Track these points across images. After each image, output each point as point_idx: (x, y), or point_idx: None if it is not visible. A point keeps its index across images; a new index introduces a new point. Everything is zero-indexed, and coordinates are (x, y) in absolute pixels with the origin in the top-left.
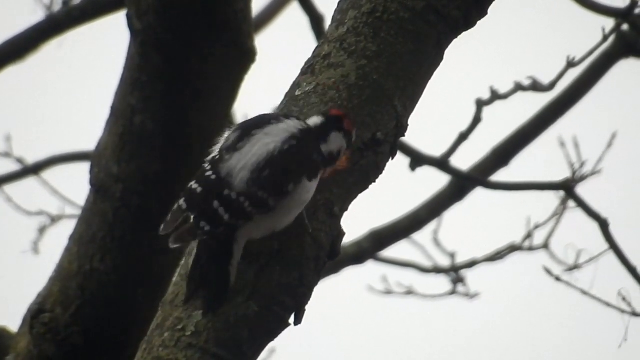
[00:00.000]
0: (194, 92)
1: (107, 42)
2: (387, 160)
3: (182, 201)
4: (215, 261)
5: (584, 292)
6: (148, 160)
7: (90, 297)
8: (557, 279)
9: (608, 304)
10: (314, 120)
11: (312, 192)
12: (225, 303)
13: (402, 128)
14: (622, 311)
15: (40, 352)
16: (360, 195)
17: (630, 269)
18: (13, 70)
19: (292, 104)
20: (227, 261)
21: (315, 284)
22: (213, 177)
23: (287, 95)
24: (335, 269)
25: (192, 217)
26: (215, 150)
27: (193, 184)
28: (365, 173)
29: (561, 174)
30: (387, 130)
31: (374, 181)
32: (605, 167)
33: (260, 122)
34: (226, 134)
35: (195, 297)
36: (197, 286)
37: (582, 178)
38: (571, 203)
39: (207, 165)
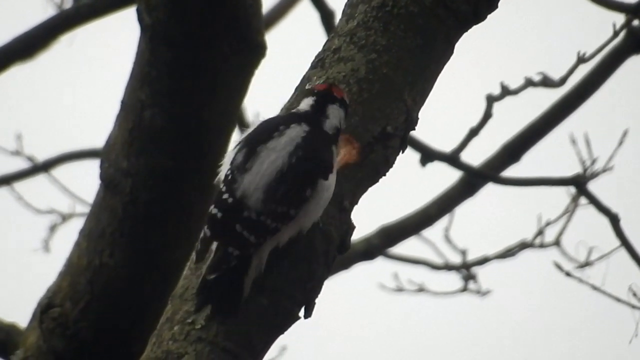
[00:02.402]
0: (203, 86)
1: (118, 38)
2: (397, 154)
3: (206, 228)
4: (231, 272)
5: (595, 288)
6: (157, 155)
7: (99, 292)
8: (567, 274)
9: (618, 299)
10: (306, 103)
11: (332, 187)
12: (235, 313)
13: (412, 122)
14: (633, 306)
15: (49, 347)
16: (370, 191)
17: None
18: (23, 68)
19: (302, 98)
20: (244, 272)
21: (325, 277)
22: (230, 200)
23: (297, 89)
24: (345, 264)
25: (219, 243)
26: (225, 166)
27: (213, 209)
28: (374, 167)
29: (573, 170)
30: (397, 124)
31: (384, 175)
32: (617, 164)
33: (263, 136)
34: (233, 149)
35: (206, 305)
36: (208, 296)
37: (594, 175)
38: (582, 200)
39: (222, 187)
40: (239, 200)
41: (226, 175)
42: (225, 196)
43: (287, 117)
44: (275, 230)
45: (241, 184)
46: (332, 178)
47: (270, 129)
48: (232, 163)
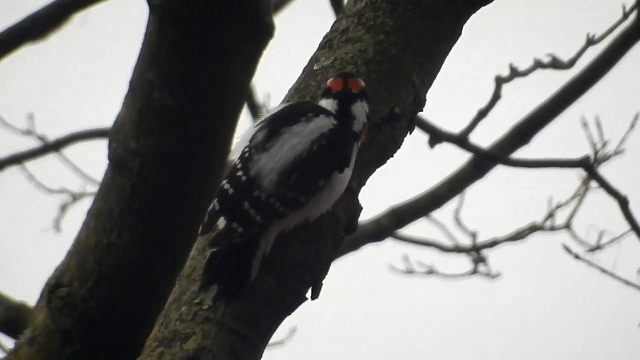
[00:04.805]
0: (212, 67)
1: (130, 18)
2: (405, 136)
3: (216, 202)
4: (239, 252)
5: (604, 271)
6: (166, 136)
7: (107, 272)
8: (577, 257)
9: (628, 282)
10: (330, 106)
11: (346, 182)
12: (241, 295)
13: (420, 103)
14: None
15: (57, 326)
16: (380, 173)
17: None
18: (35, 48)
19: (310, 79)
20: (252, 253)
21: (333, 259)
22: (244, 178)
23: (305, 70)
24: (354, 246)
25: (225, 219)
26: (243, 143)
27: (225, 184)
28: (382, 148)
29: (585, 153)
30: (405, 106)
31: (392, 156)
32: (629, 147)
33: (289, 119)
34: (254, 127)
35: (211, 286)
36: (214, 276)
37: (605, 158)
38: (593, 183)
39: (238, 164)
40: (252, 179)
41: (243, 152)
42: (240, 173)
43: (318, 108)
44: (283, 215)
45: (257, 163)
46: (348, 173)
47: (298, 113)
48: (251, 141)
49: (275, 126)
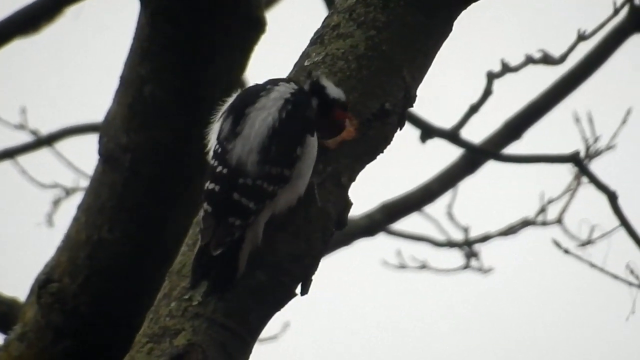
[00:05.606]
0: (204, 62)
1: (123, 11)
2: (395, 131)
3: (206, 205)
4: (227, 247)
5: (592, 265)
6: (157, 130)
7: (98, 267)
8: (566, 251)
9: (616, 277)
10: (338, 93)
11: (316, 145)
12: (231, 289)
13: (411, 98)
14: (630, 284)
15: (47, 322)
16: (371, 168)
17: (639, 242)
18: (27, 42)
19: (300, 74)
20: (238, 247)
21: (322, 254)
22: (224, 171)
23: (296, 65)
24: (346, 241)
25: (221, 217)
26: (212, 141)
27: (209, 185)
28: (373, 144)
29: (575, 148)
30: (396, 101)
31: (382, 152)
32: (620, 142)
33: (250, 99)
34: (217, 121)
35: (201, 282)
36: (203, 273)
37: (596, 153)
38: (585, 178)
39: (214, 162)
40: (235, 168)
41: (215, 150)
42: (219, 169)
43: (275, 80)
44: (272, 194)
45: (234, 150)
46: (315, 137)
47: (256, 91)
48: (218, 136)
49: (239, 110)
